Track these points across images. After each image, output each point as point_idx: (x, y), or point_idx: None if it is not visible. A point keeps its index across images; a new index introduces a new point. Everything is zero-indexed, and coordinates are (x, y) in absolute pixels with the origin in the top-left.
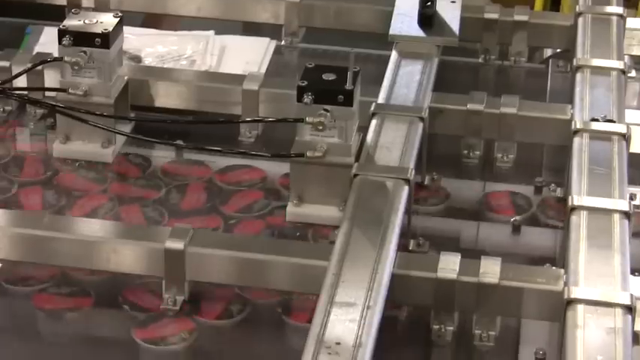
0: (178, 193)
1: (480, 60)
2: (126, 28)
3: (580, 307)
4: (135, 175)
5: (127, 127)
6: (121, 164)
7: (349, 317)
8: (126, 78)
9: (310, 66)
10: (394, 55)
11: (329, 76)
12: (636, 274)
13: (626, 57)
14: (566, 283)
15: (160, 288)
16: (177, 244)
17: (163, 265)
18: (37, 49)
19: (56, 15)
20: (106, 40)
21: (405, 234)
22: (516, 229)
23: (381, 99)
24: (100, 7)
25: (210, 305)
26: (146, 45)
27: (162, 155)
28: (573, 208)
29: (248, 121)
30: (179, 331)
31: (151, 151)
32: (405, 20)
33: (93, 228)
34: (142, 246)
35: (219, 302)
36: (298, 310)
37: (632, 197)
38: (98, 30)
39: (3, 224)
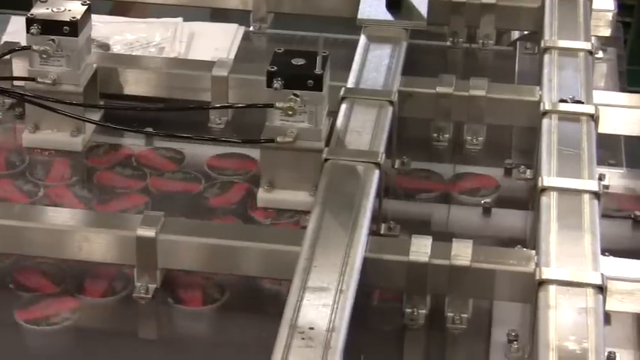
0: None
1: (448, 43)
2: (94, 16)
3: (552, 288)
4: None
5: (96, 116)
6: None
7: (322, 302)
8: (95, 66)
9: (279, 51)
10: (363, 39)
11: (298, 61)
12: (607, 254)
13: (593, 38)
14: (537, 264)
15: (52, 269)
16: (148, 232)
17: (135, 253)
18: (5, 38)
19: (23, 4)
20: (74, 28)
21: (377, 218)
22: (486, 211)
23: (350, 83)
24: None
25: (95, 284)
26: (114, 33)
27: (132, 143)
28: (543, 189)
29: (218, 107)
30: (61, 311)
31: (120, 139)
32: (373, 4)
33: (64, 217)
34: (113, 234)
35: (104, 280)
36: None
37: (602, 177)
38: (66, 18)
39: None
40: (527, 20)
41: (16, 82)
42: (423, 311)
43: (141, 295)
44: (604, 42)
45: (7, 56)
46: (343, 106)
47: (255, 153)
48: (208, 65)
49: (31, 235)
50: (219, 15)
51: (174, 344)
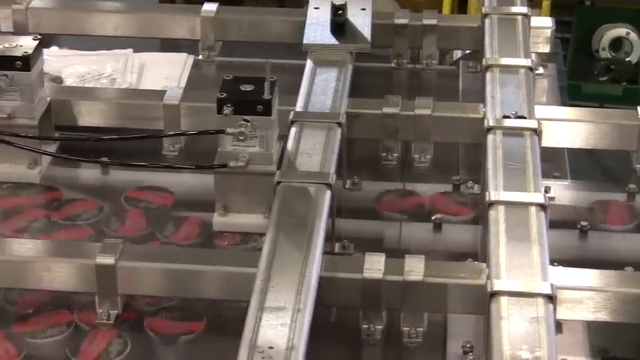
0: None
1: (393, 64)
2: (45, 50)
3: (503, 299)
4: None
5: (52, 148)
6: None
7: (280, 321)
8: (48, 99)
9: (228, 78)
10: (309, 63)
11: (247, 87)
12: (555, 264)
13: (532, 55)
14: (488, 277)
15: None
16: (107, 260)
17: (95, 281)
18: None
19: None
20: (27, 62)
21: (330, 237)
22: (437, 226)
23: (298, 107)
24: (19, 30)
25: None
26: (66, 66)
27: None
28: (491, 204)
29: (170, 135)
30: None
31: (77, 170)
32: (317, 29)
33: (24, 247)
34: (73, 263)
35: None
36: None
37: (547, 190)
38: (18, 53)
39: None
40: (468, 40)
41: None
42: (380, 327)
43: (103, 321)
44: (544, 58)
45: None
46: (293, 130)
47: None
48: (160, 94)
49: None
50: (168, 45)
51: None
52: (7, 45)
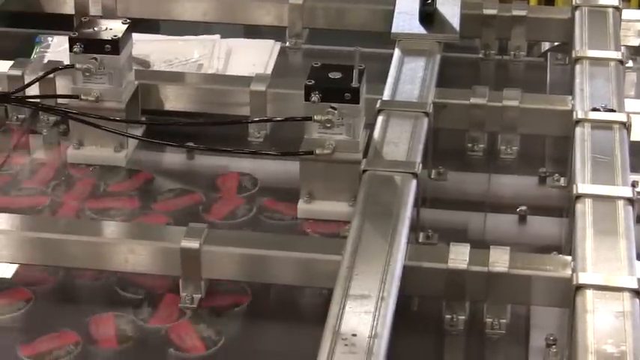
0: None
1: (481, 55)
2: (134, 35)
3: (589, 293)
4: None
5: (138, 131)
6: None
7: (364, 309)
8: (136, 83)
9: (317, 65)
10: (397, 52)
11: (335, 75)
12: None
13: (622, 47)
14: (574, 270)
15: None
16: (192, 244)
17: (180, 264)
18: (48, 57)
19: (64, 24)
20: (115, 46)
21: (415, 227)
22: (522, 218)
23: (386, 96)
24: (108, 14)
25: None
26: (154, 51)
27: (173, 158)
28: (578, 197)
29: (256, 121)
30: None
31: (162, 154)
32: (406, 19)
33: (109, 229)
34: (157, 246)
35: None
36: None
37: (635, 184)
38: (108, 37)
39: (10, 228)
40: (558, 32)
41: (60, 100)
42: (463, 317)
43: (186, 305)
44: (634, 52)
45: (51, 75)
46: (380, 118)
47: None
48: (246, 80)
49: (77, 248)
50: (255, 31)
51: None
52: (96, 29)
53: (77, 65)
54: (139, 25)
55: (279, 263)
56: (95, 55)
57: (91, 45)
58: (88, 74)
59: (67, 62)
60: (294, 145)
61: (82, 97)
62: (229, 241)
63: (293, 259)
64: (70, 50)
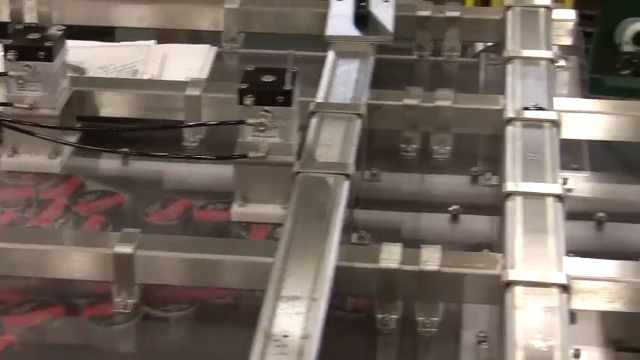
0: None
1: (415, 56)
2: (69, 41)
3: (518, 289)
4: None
5: (73, 138)
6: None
7: (295, 310)
8: (71, 89)
9: (250, 69)
10: (331, 55)
11: (268, 78)
12: (571, 254)
13: (554, 47)
14: (504, 267)
15: None
16: (126, 249)
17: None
18: None
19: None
20: (49, 53)
21: (348, 228)
22: (455, 217)
23: (319, 98)
24: (43, 21)
25: None
26: (89, 57)
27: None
28: (508, 194)
29: (191, 125)
30: None
31: (97, 161)
32: (340, 21)
33: (44, 236)
34: (91, 252)
35: None
36: None
37: (565, 181)
38: (42, 44)
39: None
40: (491, 32)
41: None
42: (395, 316)
43: (120, 310)
44: (566, 51)
45: None
46: (313, 121)
47: None
48: (182, 85)
49: (16, 256)
50: (193, 37)
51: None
52: (30, 36)
53: (10, 73)
54: (90, 33)
55: (215, 267)
56: (29, 63)
57: (24, 52)
58: (21, 82)
59: (1, 69)
60: (229, 149)
61: (16, 104)
62: (164, 246)
63: (229, 263)
64: (5, 57)
